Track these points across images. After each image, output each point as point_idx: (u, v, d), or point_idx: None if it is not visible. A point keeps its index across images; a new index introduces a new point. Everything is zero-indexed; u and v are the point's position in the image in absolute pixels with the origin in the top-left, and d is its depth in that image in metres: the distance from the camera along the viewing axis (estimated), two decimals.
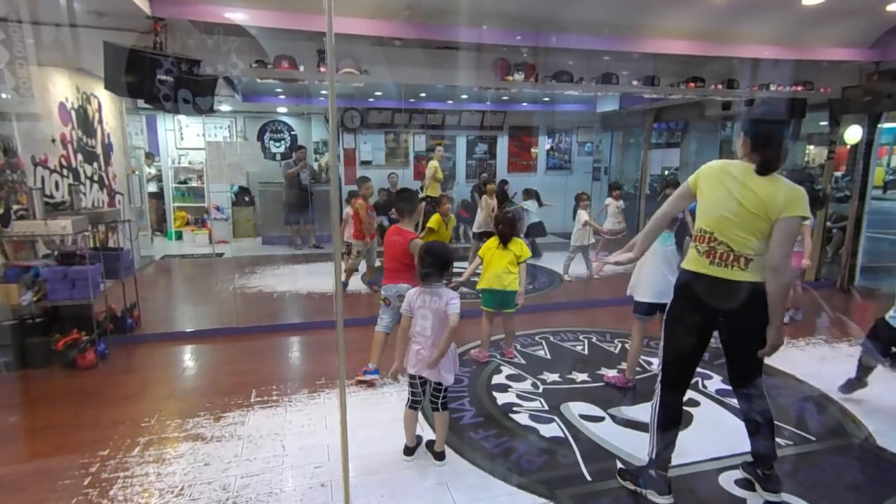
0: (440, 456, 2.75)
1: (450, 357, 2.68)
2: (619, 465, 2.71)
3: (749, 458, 2.62)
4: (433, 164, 7.58)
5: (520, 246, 3.97)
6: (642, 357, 4.16)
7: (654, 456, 2.46)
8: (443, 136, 10.24)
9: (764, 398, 2.44)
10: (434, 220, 5.65)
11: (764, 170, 2.19)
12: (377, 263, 6.52)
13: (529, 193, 7.97)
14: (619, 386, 3.66)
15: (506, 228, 3.98)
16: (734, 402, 3.38)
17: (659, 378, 2.48)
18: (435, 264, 2.67)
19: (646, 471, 2.49)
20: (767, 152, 2.19)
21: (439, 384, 2.70)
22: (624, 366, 3.80)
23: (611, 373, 3.83)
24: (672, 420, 2.45)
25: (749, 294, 2.22)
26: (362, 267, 6.27)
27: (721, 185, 2.26)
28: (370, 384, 3.63)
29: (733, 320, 2.31)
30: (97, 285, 4.10)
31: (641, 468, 2.54)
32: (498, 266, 3.95)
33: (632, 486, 2.52)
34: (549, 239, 8.87)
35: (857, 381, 3.45)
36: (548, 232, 8.26)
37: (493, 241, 4.03)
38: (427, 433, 2.97)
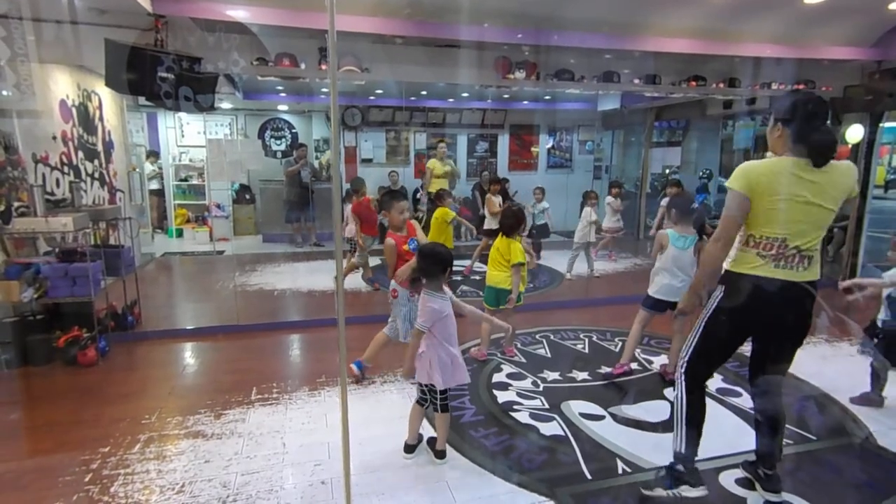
0: (441, 455, 2.76)
1: (458, 364, 2.68)
2: (642, 490, 2.52)
3: (749, 457, 2.61)
4: (431, 161, 7.66)
5: (514, 248, 3.89)
6: (643, 356, 4.17)
7: (682, 450, 2.39)
8: (443, 134, 10.23)
9: (780, 398, 2.42)
10: (443, 213, 5.74)
11: (822, 160, 2.08)
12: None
13: (544, 192, 7.65)
14: (618, 373, 3.71)
15: (507, 221, 3.98)
16: (734, 400, 3.41)
17: (683, 370, 2.40)
18: (437, 269, 2.63)
19: (672, 469, 2.42)
20: (821, 140, 2.07)
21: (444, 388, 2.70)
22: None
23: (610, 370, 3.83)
24: (701, 412, 2.40)
25: (807, 293, 2.20)
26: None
27: (788, 189, 2.10)
28: (354, 377, 3.63)
29: (785, 321, 2.25)
30: (98, 282, 4.11)
31: (665, 471, 2.44)
32: (493, 265, 3.98)
33: (662, 492, 2.42)
34: (550, 237, 8.87)
35: (874, 394, 3.38)
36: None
37: (499, 238, 4.01)
38: (428, 431, 2.97)
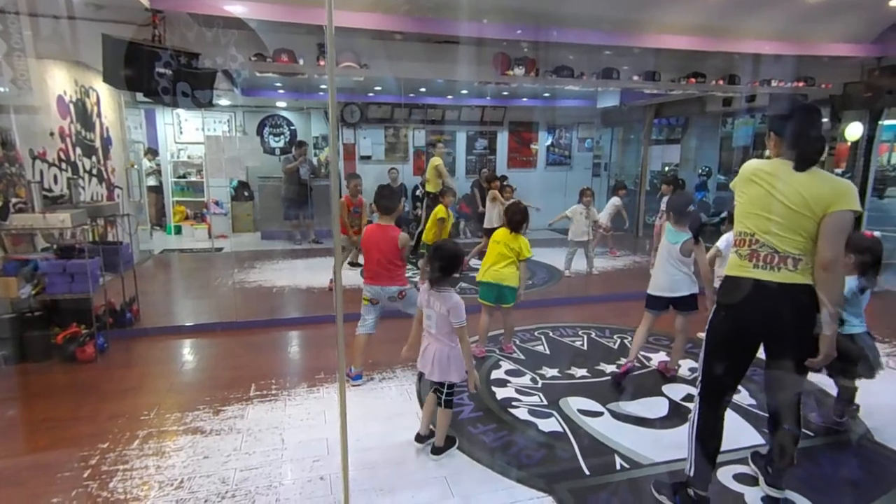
0: (437, 451, 2.76)
1: (455, 358, 2.70)
2: (653, 489, 2.50)
3: (751, 451, 2.62)
4: (435, 160, 7.58)
5: (523, 243, 3.92)
6: (641, 353, 4.16)
7: (692, 473, 2.31)
8: (442, 131, 10.22)
9: (798, 406, 2.33)
10: (440, 210, 5.68)
11: (803, 165, 2.07)
12: None
13: (513, 190, 7.20)
14: (623, 373, 3.63)
15: (516, 216, 3.93)
16: (734, 397, 3.40)
17: (698, 391, 2.33)
18: (446, 267, 2.64)
19: (684, 489, 2.34)
20: (803, 146, 2.08)
21: (442, 382, 2.71)
22: (622, 361, 3.84)
23: (614, 368, 3.81)
24: (713, 435, 2.30)
25: (799, 297, 2.09)
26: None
27: (756, 185, 2.15)
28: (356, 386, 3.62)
29: (781, 327, 2.13)
30: (96, 279, 4.10)
31: (679, 484, 2.38)
32: (497, 260, 3.92)
33: (668, 502, 2.38)
34: (548, 235, 8.87)
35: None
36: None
37: (502, 232, 3.97)
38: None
